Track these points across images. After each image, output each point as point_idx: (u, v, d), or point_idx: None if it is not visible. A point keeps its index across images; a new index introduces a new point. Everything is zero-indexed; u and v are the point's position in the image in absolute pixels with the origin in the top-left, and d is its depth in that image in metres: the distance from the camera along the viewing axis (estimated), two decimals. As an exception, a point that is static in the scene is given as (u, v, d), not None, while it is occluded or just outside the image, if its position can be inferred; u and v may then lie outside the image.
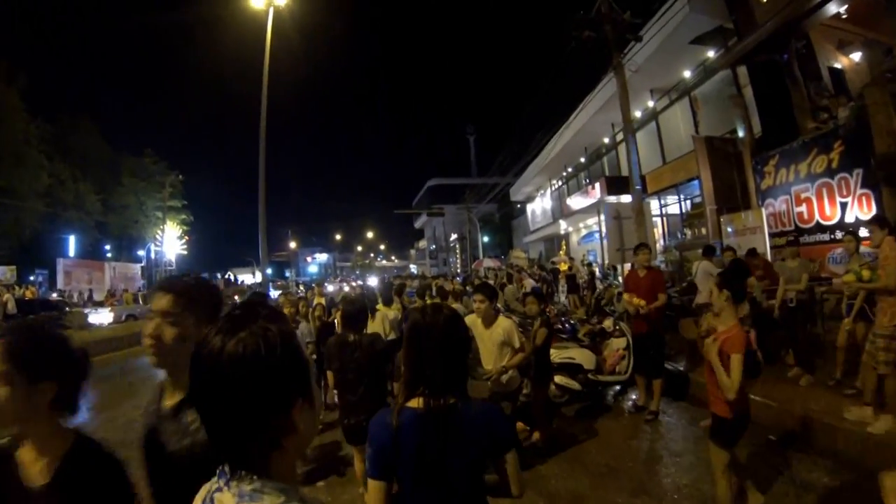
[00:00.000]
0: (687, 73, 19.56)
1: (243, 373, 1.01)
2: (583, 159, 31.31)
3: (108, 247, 50.63)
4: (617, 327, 9.21)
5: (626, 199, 17.39)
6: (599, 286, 18.40)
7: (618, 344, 8.80)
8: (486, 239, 51.93)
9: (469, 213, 47.60)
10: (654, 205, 22.13)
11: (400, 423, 2.11)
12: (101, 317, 26.51)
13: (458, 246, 58.82)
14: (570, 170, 33.80)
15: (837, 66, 14.82)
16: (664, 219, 22.82)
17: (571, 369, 8.08)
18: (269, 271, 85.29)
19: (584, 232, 32.26)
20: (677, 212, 21.83)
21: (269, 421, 1.03)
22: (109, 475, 1.67)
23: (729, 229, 13.85)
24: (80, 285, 37.14)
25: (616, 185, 22.65)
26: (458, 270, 49.89)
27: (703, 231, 16.16)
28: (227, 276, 55.06)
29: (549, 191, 38.50)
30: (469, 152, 64.30)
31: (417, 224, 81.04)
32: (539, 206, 41.86)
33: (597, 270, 20.88)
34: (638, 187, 13.60)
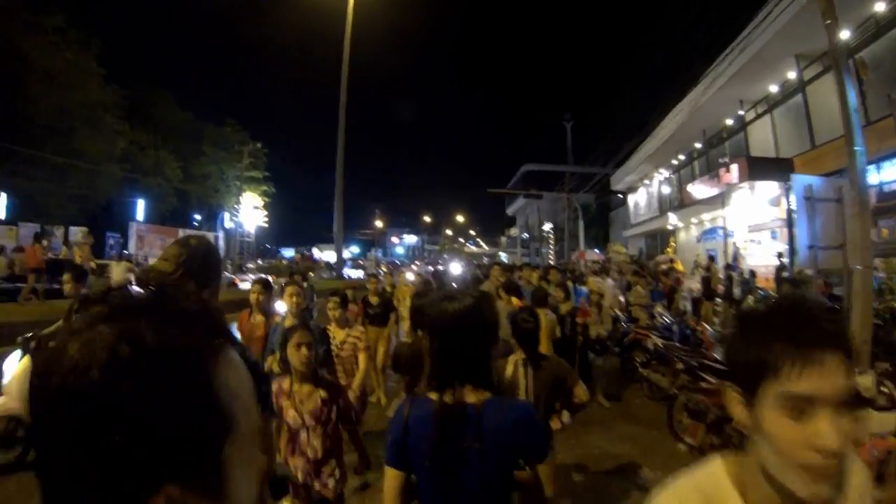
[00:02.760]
0: (846, 34, 15.86)
1: (64, 415, 0.62)
2: (698, 144, 27.46)
3: (196, 216, 51.20)
4: (885, 390, 5.27)
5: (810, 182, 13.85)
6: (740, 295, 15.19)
7: (883, 423, 4.98)
8: (580, 231, 48.74)
9: (569, 199, 44.61)
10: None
11: (412, 415, 2.10)
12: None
13: (552, 236, 55.42)
14: (682, 157, 29.88)
15: None
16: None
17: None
18: (355, 249, 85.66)
19: (706, 225, 27.94)
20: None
21: None
22: None
23: None
24: (152, 250, 36.52)
25: (760, 167, 18.83)
26: (551, 261, 46.58)
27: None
28: (303, 252, 53.99)
29: (656, 180, 34.61)
30: (566, 139, 60.84)
31: (510, 210, 78.57)
32: (643, 197, 38.30)
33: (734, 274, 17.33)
34: (858, 150, 9.96)
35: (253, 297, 5.90)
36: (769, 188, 19.27)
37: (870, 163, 13.32)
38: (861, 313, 8.78)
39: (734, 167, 19.04)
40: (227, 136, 48.88)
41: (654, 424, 7.72)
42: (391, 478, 2.11)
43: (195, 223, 50.24)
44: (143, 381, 0.63)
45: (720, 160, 22.92)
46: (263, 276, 9.62)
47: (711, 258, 18.76)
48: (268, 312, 5.98)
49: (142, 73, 65.08)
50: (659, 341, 9.27)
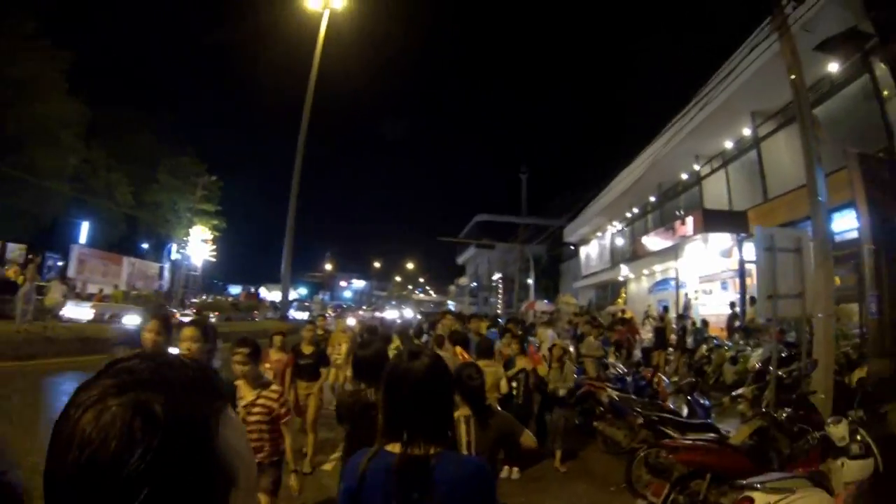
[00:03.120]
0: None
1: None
2: (653, 198, 27.87)
3: (144, 245, 49.64)
4: (857, 438, 4.98)
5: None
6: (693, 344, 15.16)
7: (858, 472, 4.84)
8: (530, 281, 49.00)
9: (522, 250, 44.90)
10: (751, 249, 18.84)
11: (370, 467, 2.06)
12: (80, 312, 22.99)
13: (501, 286, 55.58)
14: (636, 210, 30.23)
15: None
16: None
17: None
18: (303, 291, 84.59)
19: (658, 277, 28.16)
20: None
21: None
22: None
23: None
24: (93, 276, 35.70)
25: (715, 219, 19.11)
26: (500, 311, 46.63)
27: (852, 280, 12.69)
28: (249, 290, 52.93)
29: (608, 232, 35.02)
30: (520, 191, 61.58)
31: (460, 259, 78.71)
32: (595, 249, 38.61)
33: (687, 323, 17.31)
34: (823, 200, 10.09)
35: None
36: (722, 240, 19.53)
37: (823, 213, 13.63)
38: (824, 360, 8.77)
39: (689, 219, 19.34)
40: (184, 165, 47.59)
41: (611, 481, 7.34)
42: None
43: (142, 252, 48.88)
44: (155, 452, 0.66)
45: (676, 212, 23.23)
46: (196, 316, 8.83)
47: (665, 308, 18.82)
48: None
49: (109, 91, 63.59)
50: (614, 393, 8.99)
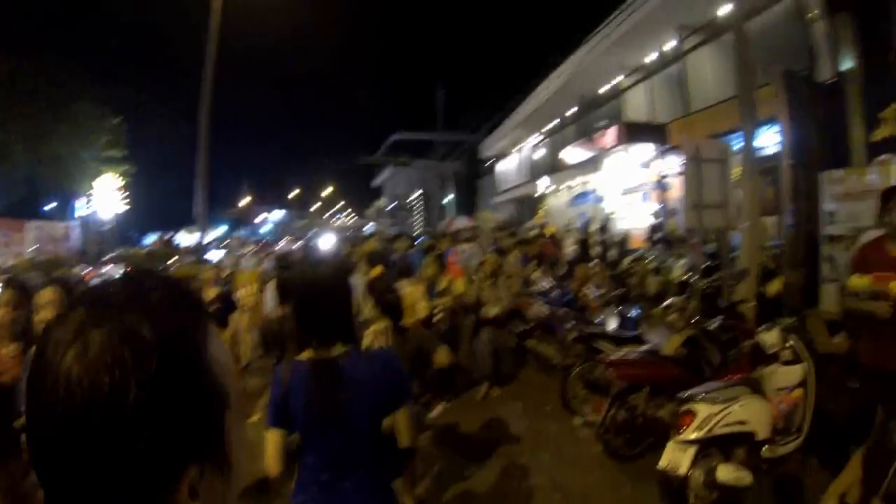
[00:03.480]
0: (725, 9, 16.35)
1: (88, 414, 0.61)
2: (572, 111, 27.72)
3: (50, 205, 45.66)
4: (788, 345, 4.93)
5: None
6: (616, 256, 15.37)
7: (789, 377, 4.89)
8: (450, 199, 48.97)
9: (439, 166, 44.53)
10: (672, 161, 19.09)
11: (292, 376, 2.22)
12: None
13: (421, 205, 55.37)
14: (555, 123, 30.16)
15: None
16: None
17: (733, 442, 4.42)
18: (224, 229, 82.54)
19: (577, 190, 28.26)
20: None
21: None
22: None
23: (827, 192, 10.35)
24: None
25: (638, 131, 19.05)
26: (419, 230, 46.53)
27: (770, 193, 13.00)
28: (165, 236, 50.20)
29: (527, 146, 34.95)
30: (435, 106, 60.70)
31: (377, 181, 77.52)
32: (512, 164, 38.50)
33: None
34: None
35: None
36: (643, 152, 19.62)
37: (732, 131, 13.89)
38: (750, 271, 9.04)
39: (611, 131, 19.25)
40: (85, 110, 41.54)
41: (546, 400, 7.29)
42: (273, 438, 2.23)
43: (47, 213, 44.60)
44: (151, 379, 0.61)
45: (597, 124, 23.18)
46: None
47: (587, 221, 18.94)
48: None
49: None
50: (542, 309, 8.84)
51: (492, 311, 7.59)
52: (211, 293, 7.05)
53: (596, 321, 8.12)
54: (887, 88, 10.53)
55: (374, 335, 3.99)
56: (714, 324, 5.82)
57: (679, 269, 11.88)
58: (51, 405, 0.60)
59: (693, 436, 4.14)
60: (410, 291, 6.29)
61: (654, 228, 16.85)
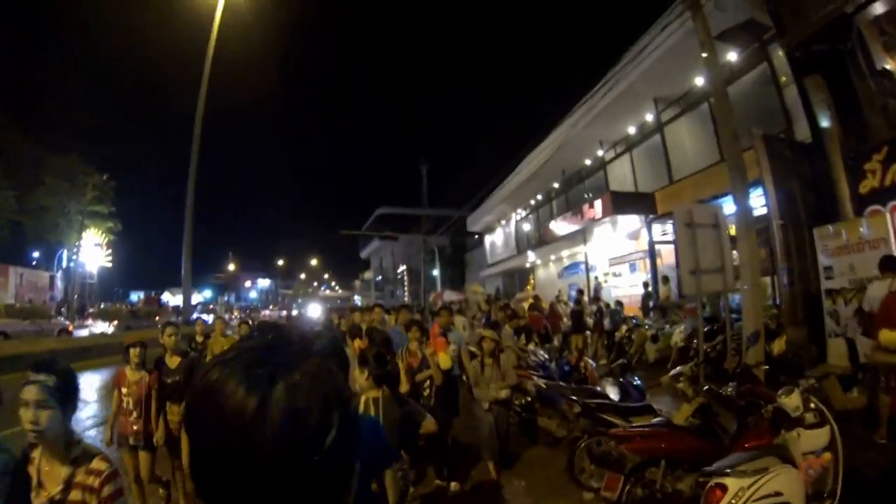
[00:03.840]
0: (699, 80, 16.93)
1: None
2: (556, 184, 28.19)
3: (34, 254, 45.97)
4: (812, 407, 4.74)
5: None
6: (611, 326, 15.38)
7: (815, 441, 4.63)
8: (435, 272, 49.07)
9: (425, 240, 44.71)
10: (659, 230, 19.39)
11: None
12: None
13: (406, 278, 55.47)
14: (540, 197, 30.62)
15: (887, 66, 12.51)
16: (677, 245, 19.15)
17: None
18: (208, 294, 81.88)
19: (565, 262, 28.52)
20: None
21: None
22: None
23: (821, 248, 10.15)
24: None
25: (623, 201, 19.31)
26: (407, 302, 46.38)
27: (763, 254, 13.14)
28: (150, 295, 49.93)
29: (513, 220, 35.29)
30: (421, 183, 61.53)
31: (364, 254, 77.97)
32: (500, 238, 38.70)
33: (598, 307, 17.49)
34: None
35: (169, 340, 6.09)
36: (629, 222, 19.94)
37: (728, 194, 14.15)
38: (760, 332, 9.00)
39: (598, 202, 19.48)
40: (72, 165, 43.53)
41: (553, 477, 6.84)
42: None
43: (33, 261, 45.21)
44: (339, 427, 0.73)
45: (586, 195, 23.55)
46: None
47: (581, 291, 18.91)
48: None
49: None
50: (541, 382, 8.47)
51: (501, 392, 7.13)
52: (172, 362, 6.07)
53: (600, 392, 7.79)
54: (866, 141, 10.80)
55: (366, 405, 3.87)
56: (728, 389, 5.42)
57: (678, 335, 11.83)
58: (248, 439, 0.68)
59: None
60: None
61: (647, 296, 16.93)
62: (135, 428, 5.62)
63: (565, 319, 17.13)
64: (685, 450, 5.00)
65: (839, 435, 4.58)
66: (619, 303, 16.57)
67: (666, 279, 17.13)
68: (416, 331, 7.08)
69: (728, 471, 3.99)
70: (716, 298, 13.81)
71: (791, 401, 4.60)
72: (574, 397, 7.11)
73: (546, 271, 31.71)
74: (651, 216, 18.69)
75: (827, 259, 9.83)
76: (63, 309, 37.75)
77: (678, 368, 6.71)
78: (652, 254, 19.09)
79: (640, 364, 12.42)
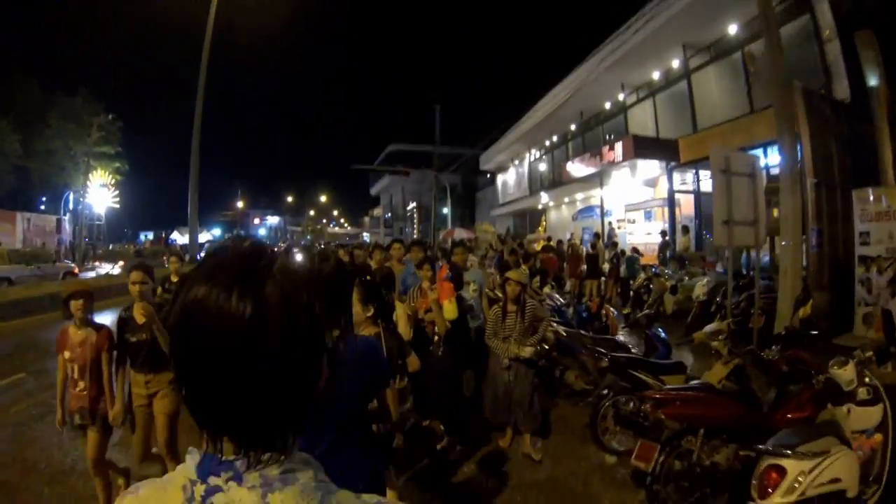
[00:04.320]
0: (734, 28, 16.41)
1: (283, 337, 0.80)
2: (574, 126, 27.79)
3: (42, 198, 45.38)
4: (867, 381, 4.34)
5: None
6: (627, 273, 15.23)
7: (867, 419, 4.27)
8: (445, 211, 48.79)
9: (436, 177, 44.26)
10: (679, 178, 19.09)
11: None
12: None
13: (416, 215, 55.22)
14: (555, 138, 30.28)
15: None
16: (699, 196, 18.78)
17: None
18: (217, 232, 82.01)
19: (579, 205, 28.37)
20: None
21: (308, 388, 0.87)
22: None
23: (859, 211, 9.80)
24: None
25: (646, 146, 18.79)
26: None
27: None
28: (160, 235, 49.74)
29: (527, 160, 34.92)
30: (434, 120, 60.65)
31: (374, 190, 76.49)
32: (512, 177, 38.48)
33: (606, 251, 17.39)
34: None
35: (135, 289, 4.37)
36: (648, 168, 19.66)
37: (757, 147, 13.84)
38: (790, 293, 8.69)
39: (618, 145, 19.08)
40: (78, 106, 42.78)
41: (575, 432, 6.26)
42: None
43: (41, 206, 44.52)
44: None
45: (607, 137, 23.15)
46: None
47: (597, 235, 18.56)
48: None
49: None
50: (560, 329, 7.57)
51: (525, 349, 5.83)
52: (138, 317, 4.50)
53: (620, 343, 7.43)
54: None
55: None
56: (772, 353, 4.86)
57: (700, 287, 11.39)
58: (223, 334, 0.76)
59: (784, 500, 3.40)
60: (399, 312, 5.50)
61: (665, 245, 16.68)
62: (80, 403, 4.35)
63: (603, 263, 16.77)
64: (726, 417, 4.48)
65: (890, 415, 4.21)
66: (635, 250, 16.24)
67: (686, 229, 16.94)
68: (427, 269, 6.25)
69: (788, 452, 3.51)
70: (738, 253, 13.59)
71: (845, 373, 4.18)
72: (601, 349, 6.53)
73: (558, 213, 31.57)
74: (672, 163, 18.41)
75: (864, 224, 9.53)
76: (70, 251, 37.62)
77: (714, 325, 6.14)
78: (671, 202, 18.89)
79: (658, 316, 11.63)
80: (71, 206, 43.81)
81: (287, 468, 0.82)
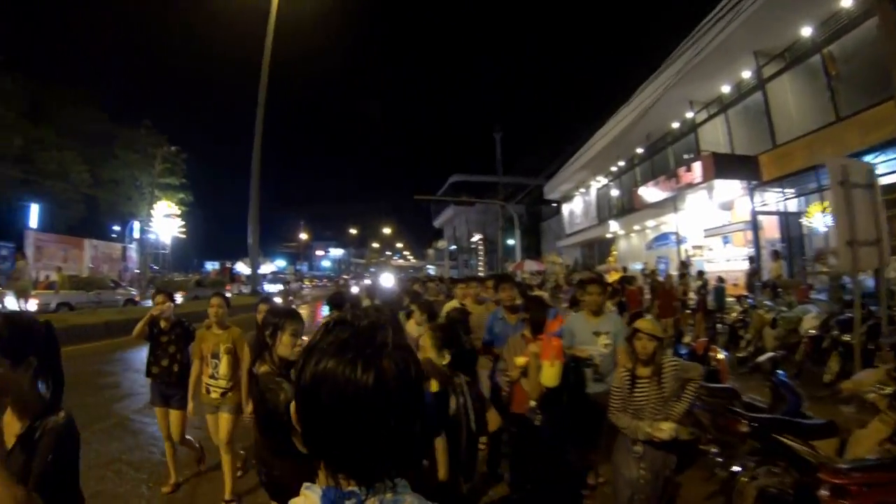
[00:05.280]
0: (808, 31, 15.21)
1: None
2: (640, 150, 26.60)
3: (115, 227, 46.65)
4: None
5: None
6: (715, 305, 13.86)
7: None
8: (511, 242, 48.01)
9: (503, 207, 43.53)
10: (762, 198, 17.71)
11: None
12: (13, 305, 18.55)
13: (481, 247, 54.49)
14: (621, 163, 29.02)
15: None
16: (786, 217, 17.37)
17: None
18: (281, 263, 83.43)
19: (649, 234, 26.98)
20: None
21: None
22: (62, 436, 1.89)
23: None
24: (53, 262, 32.21)
25: (726, 164, 17.42)
26: (482, 273, 45.14)
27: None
28: (225, 265, 50.44)
29: (593, 188, 33.74)
30: (495, 151, 60.30)
31: (437, 222, 77.50)
32: (579, 206, 37.19)
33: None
34: None
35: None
36: (726, 190, 18.26)
37: (857, 154, 12.49)
38: None
39: (696, 165, 17.81)
40: (142, 138, 44.49)
41: None
42: None
43: (112, 234, 46.13)
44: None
45: (685, 156, 21.80)
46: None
47: (684, 264, 17.05)
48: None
49: (51, 68, 61.22)
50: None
51: (663, 428, 3.91)
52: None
53: (734, 391, 5.58)
54: None
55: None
56: None
57: (810, 320, 9.75)
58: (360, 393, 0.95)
59: None
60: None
61: (753, 273, 15.23)
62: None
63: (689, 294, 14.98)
64: None
65: None
66: (720, 279, 14.90)
67: (776, 254, 15.45)
68: (521, 315, 5.05)
69: None
70: (835, 279, 12.20)
71: None
72: (738, 409, 5.05)
73: (628, 242, 30.27)
74: (754, 182, 17.06)
75: None
76: (137, 279, 38.39)
77: (868, 373, 4.78)
78: (754, 225, 17.43)
79: (784, 358, 9.61)
80: (136, 234, 44.99)
81: (398, 495, 1.00)
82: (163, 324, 5.59)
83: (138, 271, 40.97)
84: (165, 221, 45.08)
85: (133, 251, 43.77)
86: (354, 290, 25.01)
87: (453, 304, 7.19)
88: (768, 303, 11.63)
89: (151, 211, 43.33)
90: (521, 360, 4.74)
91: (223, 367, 5.15)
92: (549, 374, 4.44)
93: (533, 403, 4.62)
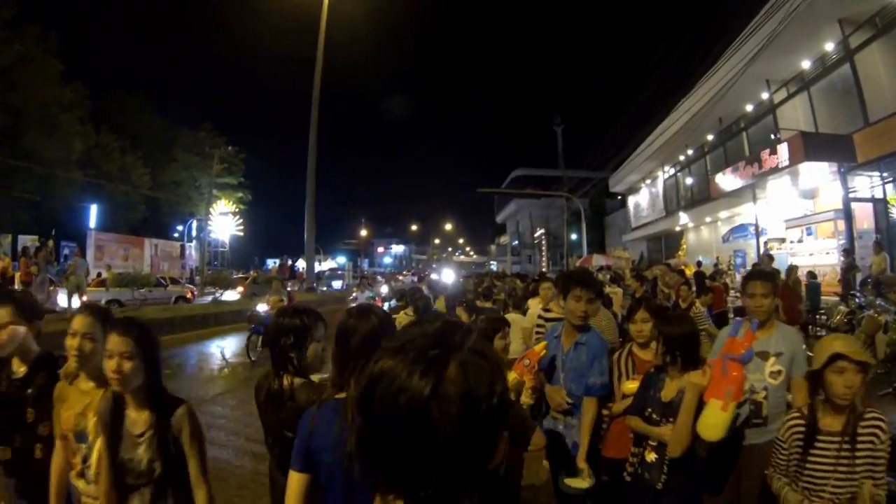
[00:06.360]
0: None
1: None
2: (710, 136, 24.98)
3: (178, 227, 48.71)
4: None
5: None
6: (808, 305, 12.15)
7: None
8: (573, 236, 46.61)
9: (569, 200, 42.18)
10: (853, 184, 15.90)
11: (318, 415, 2.04)
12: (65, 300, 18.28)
13: (544, 241, 53.25)
14: (690, 152, 27.39)
15: None
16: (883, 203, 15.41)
17: None
18: (341, 260, 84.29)
19: (721, 225, 25.17)
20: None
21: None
22: None
23: None
24: (114, 261, 32.56)
25: (817, 145, 15.60)
26: (545, 269, 43.65)
27: None
28: (288, 261, 50.62)
29: (660, 179, 32.02)
30: (556, 144, 58.78)
31: (499, 218, 76.40)
32: (645, 198, 35.60)
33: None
34: None
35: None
36: (811, 176, 16.51)
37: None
38: None
39: (782, 147, 15.96)
40: (201, 140, 46.73)
41: None
42: (294, 482, 2.03)
43: (174, 234, 48.01)
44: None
45: (773, 135, 19.79)
46: None
47: (770, 257, 14.84)
48: None
49: (112, 74, 63.95)
50: None
51: None
52: None
53: None
54: None
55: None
56: None
57: None
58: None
59: None
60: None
61: (848, 269, 13.40)
62: None
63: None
64: None
65: None
66: (811, 274, 13.21)
67: (879, 246, 13.45)
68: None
69: None
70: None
71: None
72: None
73: (698, 235, 28.58)
74: (846, 165, 15.33)
75: None
76: (197, 275, 38.93)
77: None
78: (847, 213, 15.53)
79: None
80: (195, 233, 46.21)
81: None
82: (14, 365, 2.90)
83: (195, 268, 41.57)
84: (223, 220, 46.44)
85: (193, 249, 44.67)
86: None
87: (535, 307, 6.33)
88: (881, 303, 9.83)
89: (211, 210, 44.59)
90: (630, 387, 3.50)
91: (96, 454, 2.50)
92: (716, 421, 2.78)
93: (652, 457, 3.11)
